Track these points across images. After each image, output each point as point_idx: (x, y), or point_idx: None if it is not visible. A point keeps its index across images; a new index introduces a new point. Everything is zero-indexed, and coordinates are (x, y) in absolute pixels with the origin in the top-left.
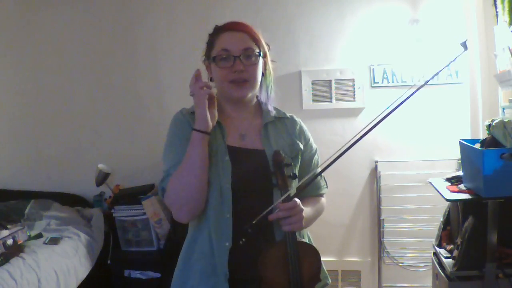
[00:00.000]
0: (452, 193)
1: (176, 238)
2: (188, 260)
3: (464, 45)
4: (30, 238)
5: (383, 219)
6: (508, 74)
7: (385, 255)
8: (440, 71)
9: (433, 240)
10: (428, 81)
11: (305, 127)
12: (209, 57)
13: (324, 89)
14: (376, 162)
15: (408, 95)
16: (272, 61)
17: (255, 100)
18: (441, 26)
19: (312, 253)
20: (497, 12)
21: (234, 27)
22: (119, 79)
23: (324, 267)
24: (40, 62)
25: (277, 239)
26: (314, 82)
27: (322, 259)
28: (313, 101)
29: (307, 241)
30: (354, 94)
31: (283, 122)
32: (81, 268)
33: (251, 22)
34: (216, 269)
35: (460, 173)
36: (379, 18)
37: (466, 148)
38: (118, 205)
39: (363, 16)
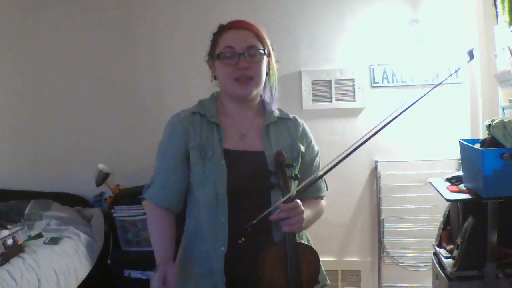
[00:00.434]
0: (452, 193)
1: (176, 238)
2: (187, 262)
3: (471, 54)
4: (30, 238)
5: (383, 219)
6: (508, 74)
7: (385, 255)
8: (445, 79)
9: (433, 240)
10: (434, 87)
11: (307, 128)
12: (213, 56)
13: (324, 89)
14: (376, 162)
15: (411, 103)
16: (276, 61)
17: (258, 99)
18: (441, 26)
19: (311, 255)
20: (497, 12)
21: (238, 25)
22: (119, 79)
23: (323, 268)
24: (40, 62)
25: (275, 240)
26: (314, 82)
27: (322, 259)
28: (313, 101)
29: (306, 243)
30: (354, 94)
31: (286, 123)
32: (81, 268)
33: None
34: (213, 273)
35: (460, 173)
36: (379, 18)
37: (466, 148)
38: (118, 205)
39: (363, 16)
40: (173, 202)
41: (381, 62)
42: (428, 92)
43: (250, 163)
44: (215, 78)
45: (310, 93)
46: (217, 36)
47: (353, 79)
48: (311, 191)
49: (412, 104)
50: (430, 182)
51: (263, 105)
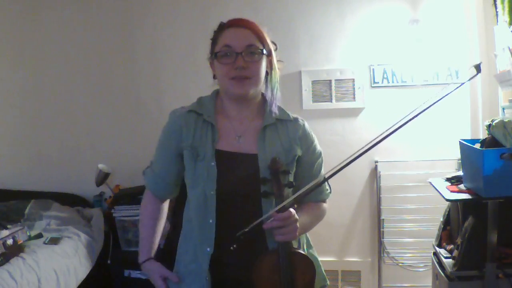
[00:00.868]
0: (452, 193)
1: (176, 238)
2: (181, 260)
3: (478, 68)
4: (30, 238)
5: (383, 219)
6: (508, 74)
7: (385, 255)
8: (451, 92)
9: (433, 240)
10: (438, 100)
11: (309, 130)
12: (213, 54)
13: (324, 89)
14: (376, 162)
15: (413, 115)
16: (279, 61)
17: (259, 98)
18: (441, 26)
19: (306, 264)
20: (497, 12)
21: (238, 23)
22: (119, 79)
23: (323, 268)
24: (40, 62)
25: (269, 247)
26: (314, 82)
27: (322, 259)
28: (313, 101)
29: (304, 244)
30: (354, 94)
31: (285, 125)
32: (81, 268)
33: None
34: (201, 272)
35: (460, 173)
36: (379, 18)
37: (466, 148)
38: (118, 205)
39: (363, 16)
40: (162, 192)
41: (381, 62)
42: (436, 101)
43: (242, 166)
44: (214, 77)
45: (310, 93)
46: (217, 34)
47: (353, 79)
48: (313, 194)
49: (423, 111)
50: (430, 182)
51: (263, 105)
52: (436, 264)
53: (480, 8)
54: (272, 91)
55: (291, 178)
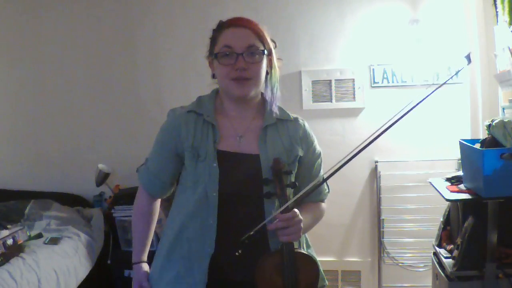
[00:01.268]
0: (452, 193)
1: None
2: (168, 259)
3: (468, 58)
4: (30, 238)
5: (383, 219)
6: (508, 74)
7: (385, 255)
8: (444, 83)
9: (433, 240)
10: (434, 92)
11: (309, 130)
12: (212, 53)
13: (324, 89)
14: (376, 162)
15: (411, 106)
16: (278, 59)
17: (258, 98)
18: (441, 26)
19: (309, 264)
20: (497, 12)
21: (238, 23)
22: (119, 79)
23: (322, 268)
24: (40, 62)
25: (271, 248)
26: (314, 82)
27: (322, 259)
28: (313, 101)
29: (304, 245)
30: (354, 94)
31: (285, 125)
32: (81, 268)
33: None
34: (193, 273)
35: (460, 173)
36: (379, 18)
37: (466, 148)
38: (118, 205)
39: (363, 16)
40: (157, 190)
41: (381, 62)
42: (430, 94)
43: (244, 166)
44: (213, 76)
45: (310, 93)
46: (216, 33)
47: (353, 79)
48: (312, 195)
49: (415, 106)
50: (430, 182)
51: (263, 104)
52: (436, 264)
53: (480, 8)
54: (272, 90)
55: (293, 178)
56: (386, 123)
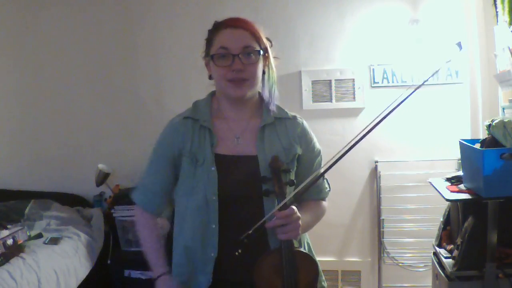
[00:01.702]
0: (452, 193)
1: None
2: (174, 266)
3: (459, 45)
4: (30, 238)
5: (383, 219)
6: (508, 74)
7: (385, 255)
8: (436, 72)
9: (433, 240)
10: (426, 80)
11: (308, 128)
12: (209, 54)
13: (324, 89)
14: (376, 162)
15: (406, 96)
16: (274, 57)
17: (256, 97)
18: (441, 26)
19: (308, 262)
20: (497, 12)
21: (233, 23)
22: (119, 79)
23: (322, 269)
24: (40, 62)
25: (271, 247)
26: (314, 82)
27: (322, 259)
28: (313, 101)
29: (305, 248)
30: (354, 94)
31: (283, 124)
32: (81, 268)
33: (254, 22)
34: (197, 277)
35: (460, 173)
36: (379, 18)
37: (466, 148)
38: (118, 205)
39: (363, 16)
40: (157, 207)
41: (381, 62)
42: (423, 82)
43: (242, 168)
44: (210, 77)
45: (310, 93)
46: (212, 34)
47: (353, 79)
48: (313, 192)
49: (406, 99)
50: (430, 182)
51: (261, 104)
52: (436, 264)
53: (480, 8)
54: (269, 90)
55: (292, 176)
56: (375, 118)
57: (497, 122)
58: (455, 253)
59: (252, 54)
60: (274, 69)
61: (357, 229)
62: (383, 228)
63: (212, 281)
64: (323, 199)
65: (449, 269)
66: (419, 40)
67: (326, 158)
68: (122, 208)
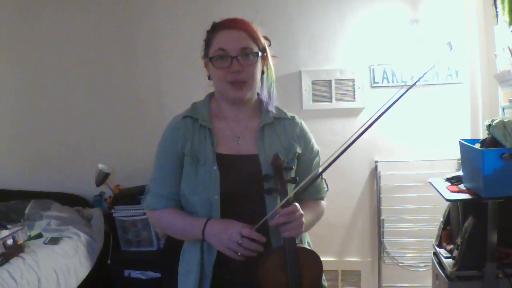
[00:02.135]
0: (452, 193)
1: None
2: (182, 270)
3: (450, 45)
4: (30, 238)
5: (383, 219)
6: (508, 74)
7: (385, 255)
8: (426, 73)
9: (433, 240)
10: (418, 80)
11: (306, 128)
12: (207, 56)
13: (324, 89)
14: (376, 162)
15: (402, 93)
16: (273, 56)
17: (255, 98)
18: (441, 26)
19: (312, 259)
20: (497, 12)
21: (231, 25)
22: (119, 80)
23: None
24: (40, 62)
25: (273, 245)
26: (314, 82)
27: (322, 259)
28: (313, 101)
29: (307, 245)
30: (354, 94)
31: (282, 124)
32: (81, 268)
33: (251, 22)
34: (196, 271)
35: (460, 173)
36: (379, 18)
37: (466, 148)
38: (118, 205)
39: (363, 16)
40: (171, 204)
41: (381, 62)
42: (418, 80)
43: (244, 168)
44: (209, 78)
45: (310, 93)
46: (210, 35)
47: (353, 79)
48: (312, 192)
49: (404, 94)
50: (430, 182)
51: (260, 104)
52: (436, 264)
53: (480, 8)
54: (268, 90)
55: (293, 174)
56: (371, 117)
57: (497, 122)
58: (455, 253)
59: (250, 55)
60: (273, 68)
61: (357, 229)
62: (383, 228)
63: (217, 280)
64: (322, 199)
65: (449, 269)
66: (419, 40)
67: (326, 158)
68: (122, 208)
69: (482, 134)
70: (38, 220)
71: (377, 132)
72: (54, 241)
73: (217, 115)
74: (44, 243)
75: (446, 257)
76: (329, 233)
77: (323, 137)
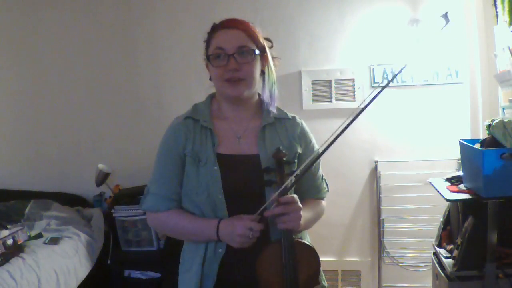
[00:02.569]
0: (452, 193)
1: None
2: (182, 269)
3: (445, 16)
4: (30, 238)
5: (383, 219)
6: (508, 74)
7: (385, 255)
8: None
9: (433, 240)
10: (402, 69)
11: (307, 129)
12: (207, 57)
13: (324, 89)
14: (376, 162)
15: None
16: (274, 57)
17: (256, 98)
18: (441, 26)
19: (309, 254)
20: (497, 12)
21: (229, 24)
22: (119, 79)
23: (322, 269)
24: (40, 62)
25: (272, 238)
26: (314, 82)
27: (322, 259)
28: (313, 101)
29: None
30: (354, 94)
31: (283, 124)
32: (81, 268)
33: (251, 22)
34: (207, 275)
35: (460, 173)
36: (379, 18)
37: (466, 148)
38: (118, 205)
39: (363, 16)
40: (173, 205)
41: (381, 62)
42: (402, 69)
43: (245, 167)
44: (211, 78)
45: (310, 93)
46: (209, 36)
47: (353, 79)
48: (312, 192)
49: (386, 86)
50: (430, 182)
51: (261, 105)
52: (436, 264)
53: (480, 8)
54: (270, 90)
55: (294, 168)
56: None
57: (497, 122)
58: (455, 253)
59: (247, 54)
60: (273, 69)
61: (357, 229)
62: (383, 228)
63: (219, 280)
64: (322, 199)
65: (449, 269)
66: (419, 40)
67: (326, 158)
68: (122, 208)
69: (482, 134)
70: (38, 220)
71: (377, 132)
72: (54, 241)
73: (218, 115)
74: (44, 243)
75: (446, 257)
76: (329, 233)
77: (323, 137)
